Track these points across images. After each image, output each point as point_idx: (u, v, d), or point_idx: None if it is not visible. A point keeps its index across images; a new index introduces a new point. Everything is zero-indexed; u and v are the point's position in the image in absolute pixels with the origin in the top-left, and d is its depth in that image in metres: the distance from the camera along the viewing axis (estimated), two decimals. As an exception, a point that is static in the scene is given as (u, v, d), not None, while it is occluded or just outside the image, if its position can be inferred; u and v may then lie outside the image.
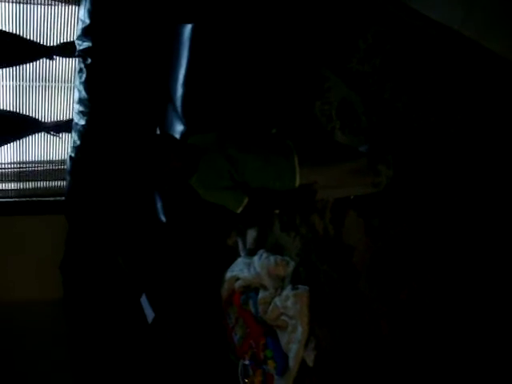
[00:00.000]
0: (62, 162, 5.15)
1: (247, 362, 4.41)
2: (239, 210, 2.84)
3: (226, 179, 2.80)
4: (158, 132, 4.54)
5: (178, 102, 4.14)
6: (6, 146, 4.90)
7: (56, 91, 4.81)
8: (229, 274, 4.63)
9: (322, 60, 3.78)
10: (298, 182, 2.92)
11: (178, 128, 4.24)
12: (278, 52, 3.87)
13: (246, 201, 2.83)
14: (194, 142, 2.92)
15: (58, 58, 4.55)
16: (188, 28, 3.91)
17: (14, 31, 4.34)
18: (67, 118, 4.90)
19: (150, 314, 4.99)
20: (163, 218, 4.68)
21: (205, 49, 3.90)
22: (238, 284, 4.48)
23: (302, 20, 3.80)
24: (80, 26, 4.27)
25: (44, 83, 4.74)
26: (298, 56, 3.88)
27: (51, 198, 5.30)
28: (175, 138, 2.89)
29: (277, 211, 4.00)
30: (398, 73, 3.15)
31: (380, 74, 3.26)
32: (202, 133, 3.32)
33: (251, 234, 4.63)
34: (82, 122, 4.62)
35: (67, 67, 4.69)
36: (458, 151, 2.78)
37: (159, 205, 4.71)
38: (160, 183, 4.56)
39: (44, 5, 4.36)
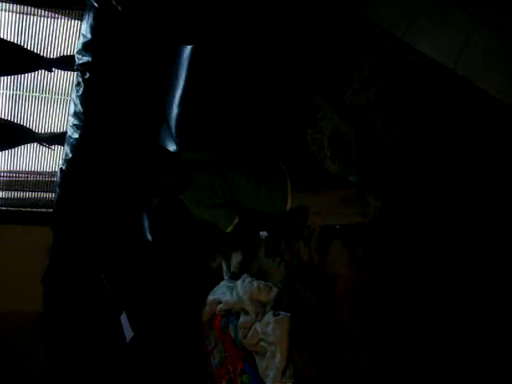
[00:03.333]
0: (53, 173, 5.16)
1: (224, 388, 4.38)
2: (229, 229, 2.81)
3: (219, 197, 2.78)
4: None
5: (173, 122, 4.18)
6: (-3, 153, 4.92)
7: (52, 103, 4.85)
8: (211, 297, 4.61)
9: (316, 89, 3.84)
10: (289, 206, 2.91)
11: (171, 147, 4.26)
12: (273, 79, 3.92)
13: (236, 220, 2.79)
14: (188, 157, 2.90)
15: (56, 70, 4.59)
16: (187, 49, 3.96)
17: (16, 41, 4.38)
18: (61, 130, 4.92)
19: (128, 333, 4.95)
20: (149, 237, 4.68)
21: (203, 71, 3.94)
22: (219, 307, 4.46)
23: (299, 49, 3.86)
24: (81, 40, 4.31)
25: (41, 94, 4.78)
26: (293, 84, 3.94)
27: (38, 209, 5.29)
28: (170, 152, 2.87)
29: (263, 236, 4.01)
30: (391, 106, 3.19)
31: (373, 107, 3.31)
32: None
33: (236, 258, 4.63)
34: (76, 136, 4.63)
35: (65, 80, 4.73)
36: (447, 187, 2.81)
37: (146, 223, 4.71)
38: (151, 197, 4.51)
39: (47, 17, 4.42)
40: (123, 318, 5.03)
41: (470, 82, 2.73)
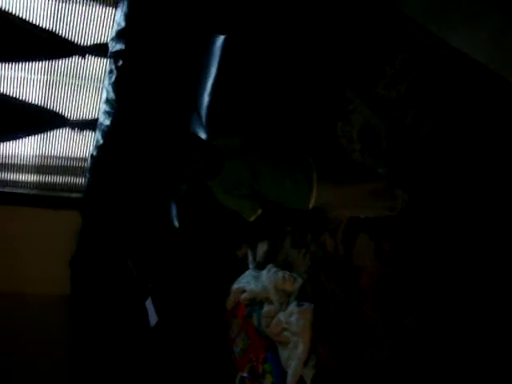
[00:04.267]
0: (83, 159, 5.23)
1: (245, 375, 4.41)
2: (252, 219, 2.88)
3: (245, 187, 2.82)
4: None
5: (204, 111, 4.21)
6: (29, 138, 4.99)
7: (85, 89, 4.90)
8: (235, 286, 4.65)
9: (348, 82, 3.84)
10: (313, 199, 2.92)
11: (201, 136, 4.30)
12: (306, 71, 3.93)
13: (259, 211, 2.86)
14: (219, 144, 2.92)
15: (90, 57, 4.64)
16: (220, 39, 3.99)
17: (51, 27, 4.44)
18: (93, 116, 4.99)
19: (153, 318, 5.02)
20: (176, 224, 4.73)
21: (235, 61, 3.97)
22: (243, 296, 4.49)
23: (332, 41, 3.87)
24: (115, 28, 4.37)
25: (74, 80, 4.83)
26: (325, 76, 3.94)
27: (68, 194, 5.36)
28: (200, 138, 2.89)
29: (289, 228, 4.05)
30: (422, 101, 3.19)
31: (404, 101, 3.31)
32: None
33: (262, 248, 4.66)
34: (107, 122, 4.70)
35: (98, 67, 4.78)
36: (477, 184, 2.81)
37: (174, 210, 4.76)
38: (180, 183, 4.51)
39: (82, 4, 4.47)
40: (148, 303, 5.10)
41: (502, 77, 2.72)
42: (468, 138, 2.87)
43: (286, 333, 4.05)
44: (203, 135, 4.24)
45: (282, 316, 4.08)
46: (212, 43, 4.09)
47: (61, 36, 4.48)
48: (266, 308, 4.24)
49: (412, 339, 3.13)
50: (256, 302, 4.40)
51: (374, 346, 3.42)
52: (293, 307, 4.02)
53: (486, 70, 2.80)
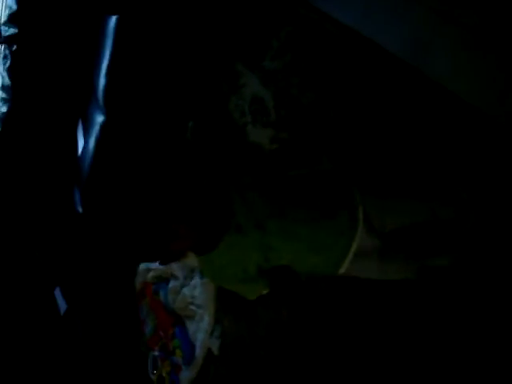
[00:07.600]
0: (-19, 148, 5.12)
1: (156, 354, 4.45)
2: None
3: (250, 272, 2.10)
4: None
5: (100, 93, 4.22)
6: None
7: (-21, 77, 4.80)
8: (142, 266, 4.67)
9: (237, 57, 3.95)
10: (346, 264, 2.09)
11: (99, 119, 4.31)
12: (197, 47, 4.02)
13: (265, 292, 2.29)
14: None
15: (-18, 43, 4.57)
16: (113, 20, 4.02)
17: None
18: (-12, 104, 4.90)
19: (62, 306, 4.99)
20: (80, 209, 4.71)
21: (128, 40, 4.00)
22: (150, 275, 4.53)
23: (220, 20, 3.98)
24: (7, 12, 4.32)
25: (-33, 68, 4.73)
26: (215, 52, 4.04)
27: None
28: (197, 197, 2.02)
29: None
30: (306, 70, 3.33)
31: (289, 71, 3.45)
32: (121, 123, 3.30)
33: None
34: (4, 109, 4.64)
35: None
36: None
37: (77, 195, 4.74)
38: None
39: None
40: (57, 293, 5.06)
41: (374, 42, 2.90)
42: (352, 105, 3.03)
43: (191, 306, 4.11)
44: (101, 117, 4.26)
45: (186, 290, 4.14)
46: (105, 24, 4.11)
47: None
48: (172, 284, 4.29)
49: (307, 300, 3.26)
50: (163, 279, 4.44)
51: (273, 310, 3.53)
52: (196, 280, 4.09)
53: (359, 37, 2.97)
